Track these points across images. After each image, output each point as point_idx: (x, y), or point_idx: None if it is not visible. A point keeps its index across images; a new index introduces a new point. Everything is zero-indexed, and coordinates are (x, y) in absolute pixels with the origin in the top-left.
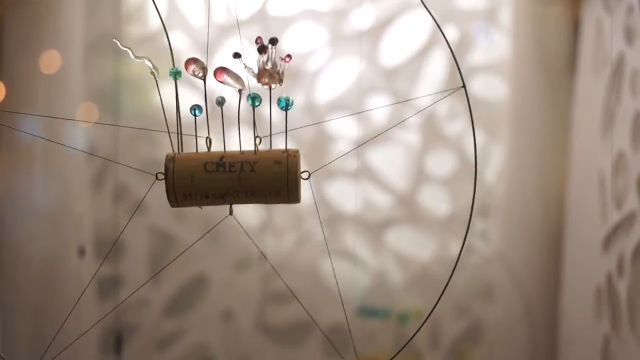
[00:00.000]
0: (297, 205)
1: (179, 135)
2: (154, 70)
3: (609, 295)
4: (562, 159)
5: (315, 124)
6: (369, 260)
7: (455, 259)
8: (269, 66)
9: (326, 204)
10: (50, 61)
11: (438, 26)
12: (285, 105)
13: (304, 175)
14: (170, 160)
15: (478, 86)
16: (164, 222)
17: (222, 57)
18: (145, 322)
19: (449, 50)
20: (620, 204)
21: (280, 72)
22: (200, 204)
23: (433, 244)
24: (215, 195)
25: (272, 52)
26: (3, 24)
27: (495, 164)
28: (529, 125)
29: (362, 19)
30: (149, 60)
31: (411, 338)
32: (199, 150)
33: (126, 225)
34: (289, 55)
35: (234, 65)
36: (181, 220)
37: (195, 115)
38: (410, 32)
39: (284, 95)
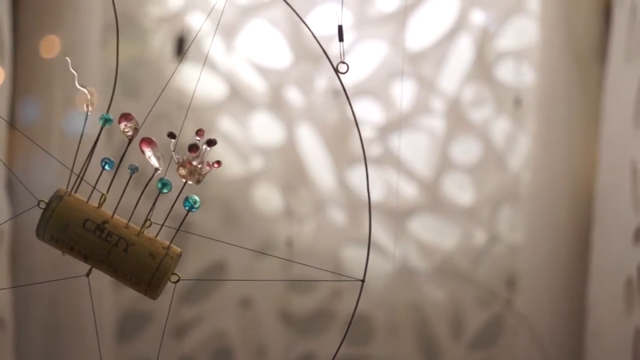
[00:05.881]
0: (319, 191)
1: (79, 178)
2: (89, 104)
3: None
4: (591, 147)
5: None
6: (391, 249)
7: (479, 249)
8: (195, 163)
9: (348, 191)
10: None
11: None
12: (190, 207)
13: (173, 278)
14: (57, 197)
15: (505, 72)
16: (182, 207)
17: (242, 40)
18: (162, 309)
19: (476, 35)
20: None
21: (203, 174)
22: (63, 252)
23: (457, 233)
24: (80, 253)
25: (204, 153)
26: (20, 4)
27: (521, 152)
28: (557, 112)
29: (387, 1)
30: (89, 92)
31: None
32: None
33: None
34: (218, 162)
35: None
36: (202, 206)
37: (103, 169)
38: (437, 15)
39: (195, 196)
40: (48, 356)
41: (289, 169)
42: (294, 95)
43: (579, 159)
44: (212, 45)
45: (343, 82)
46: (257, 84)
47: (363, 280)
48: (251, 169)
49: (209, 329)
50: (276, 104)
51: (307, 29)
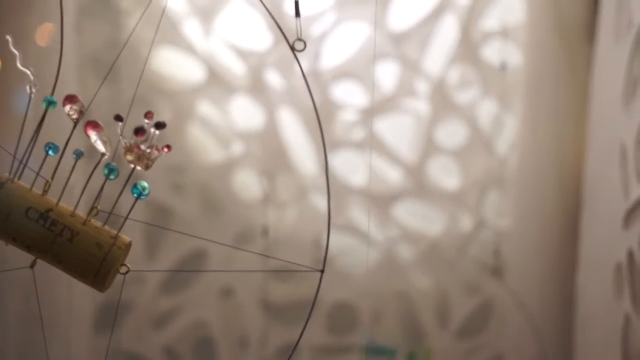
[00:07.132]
0: (301, 177)
1: (22, 164)
2: (32, 85)
3: (630, 273)
4: (579, 129)
5: None
6: (375, 235)
7: (466, 234)
8: (143, 147)
9: (330, 176)
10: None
11: None
12: (139, 194)
13: (123, 269)
14: None
15: (491, 52)
16: (161, 194)
17: (221, 22)
18: (141, 299)
19: (461, 15)
20: None
21: (152, 159)
22: (6, 242)
23: (442, 218)
24: (22, 243)
25: (152, 136)
26: None
27: (508, 134)
28: (544, 93)
29: None
30: (31, 73)
31: None
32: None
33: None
34: (168, 146)
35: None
36: (179, 192)
37: (47, 154)
38: None
39: (143, 182)
40: (23, 344)
41: (270, 153)
42: (274, 78)
43: (567, 140)
44: (189, 27)
45: (300, 61)
46: (236, 67)
47: (322, 271)
48: (231, 154)
49: (189, 320)
50: (256, 87)
51: (286, 10)
